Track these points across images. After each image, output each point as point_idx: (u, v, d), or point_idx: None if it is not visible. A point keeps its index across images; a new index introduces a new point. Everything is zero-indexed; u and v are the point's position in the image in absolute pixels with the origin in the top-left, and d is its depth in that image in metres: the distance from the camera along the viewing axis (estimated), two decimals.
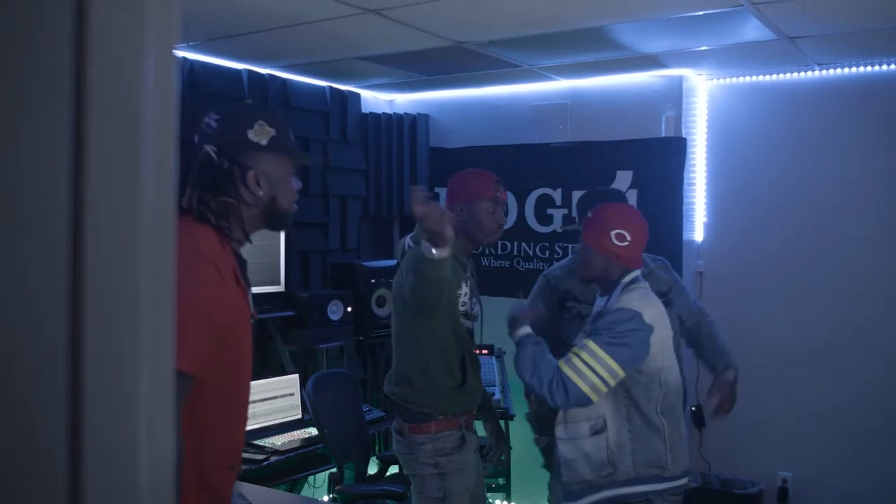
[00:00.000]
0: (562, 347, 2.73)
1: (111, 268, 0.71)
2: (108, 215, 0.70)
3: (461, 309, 2.79)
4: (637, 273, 2.64)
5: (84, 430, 0.68)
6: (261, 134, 1.76)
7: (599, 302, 2.69)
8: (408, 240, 2.91)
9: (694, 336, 3.27)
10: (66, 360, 0.67)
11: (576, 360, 2.43)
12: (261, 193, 1.76)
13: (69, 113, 0.64)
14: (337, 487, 3.23)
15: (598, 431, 2.53)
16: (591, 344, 2.43)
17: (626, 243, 2.58)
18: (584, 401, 2.43)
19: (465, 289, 2.81)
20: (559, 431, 2.58)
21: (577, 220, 3.28)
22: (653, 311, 2.52)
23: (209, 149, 1.72)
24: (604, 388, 2.43)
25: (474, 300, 2.90)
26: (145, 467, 0.74)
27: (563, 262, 3.41)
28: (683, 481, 2.60)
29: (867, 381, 4.01)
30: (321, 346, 4.12)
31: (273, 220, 1.82)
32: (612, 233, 2.59)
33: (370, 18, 3.18)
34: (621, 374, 2.44)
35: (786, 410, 4.22)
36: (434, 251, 2.30)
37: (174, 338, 1.47)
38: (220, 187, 1.72)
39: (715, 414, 3.07)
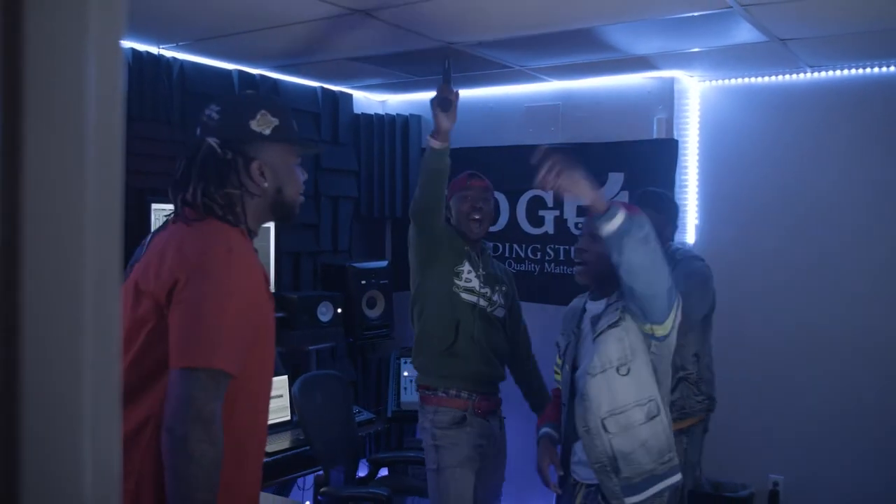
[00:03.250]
0: None
1: (51, 277, 0.70)
2: (48, 222, 0.68)
3: (465, 284, 3.09)
4: None
5: (22, 441, 0.66)
6: (263, 124, 1.75)
7: (597, 305, 2.52)
8: None
9: None
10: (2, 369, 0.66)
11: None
12: (265, 185, 1.76)
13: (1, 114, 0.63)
14: (322, 490, 3.22)
15: (653, 416, 2.36)
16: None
17: None
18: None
19: (467, 266, 3.12)
20: (610, 425, 2.34)
21: None
22: None
23: (211, 141, 1.72)
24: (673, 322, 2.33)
25: (488, 287, 3.19)
26: (88, 479, 0.72)
27: None
28: None
29: (860, 384, 4.00)
30: (310, 347, 4.11)
31: (279, 211, 1.82)
32: None
33: (359, 19, 3.17)
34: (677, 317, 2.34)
35: (778, 413, 4.21)
36: (433, 141, 2.98)
37: (207, 337, 1.46)
38: (224, 179, 1.72)
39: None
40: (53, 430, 0.70)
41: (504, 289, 3.27)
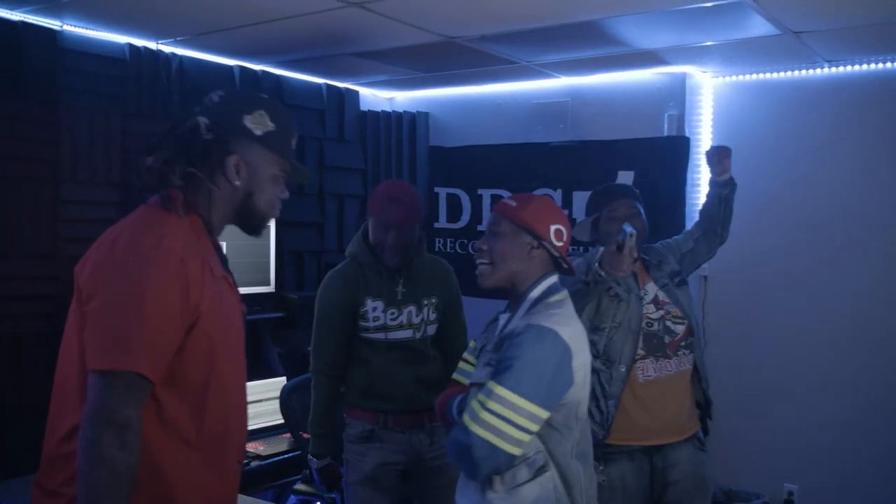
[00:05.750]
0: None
1: None
2: None
3: (372, 324, 2.80)
4: (554, 279, 2.09)
5: None
6: (258, 123, 1.67)
7: (502, 320, 2.12)
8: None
9: (701, 231, 3.24)
10: None
11: (485, 415, 1.87)
12: (237, 183, 1.66)
13: None
14: (295, 487, 3.26)
15: (541, 469, 1.94)
16: (499, 389, 1.87)
17: (561, 244, 2.06)
18: (508, 462, 1.90)
19: (371, 304, 2.81)
20: (496, 486, 1.95)
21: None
22: (571, 330, 1.98)
23: (201, 119, 1.64)
24: (527, 438, 1.89)
25: (407, 311, 2.84)
26: None
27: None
28: None
29: (876, 391, 3.87)
30: (310, 348, 4.03)
31: (246, 218, 1.73)
32: (553, 227, 2.06)
33: (353, 12, 3.09)
34: (545, 415, 1.90)
35: (793, 421, 4.08)
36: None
37: (122, 338, 1.40)
38: (195, 157, 1.62)
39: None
40: None
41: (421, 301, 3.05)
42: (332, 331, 2.86)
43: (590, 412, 2.56)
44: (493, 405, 1.86)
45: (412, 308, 2.84)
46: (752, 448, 4.16)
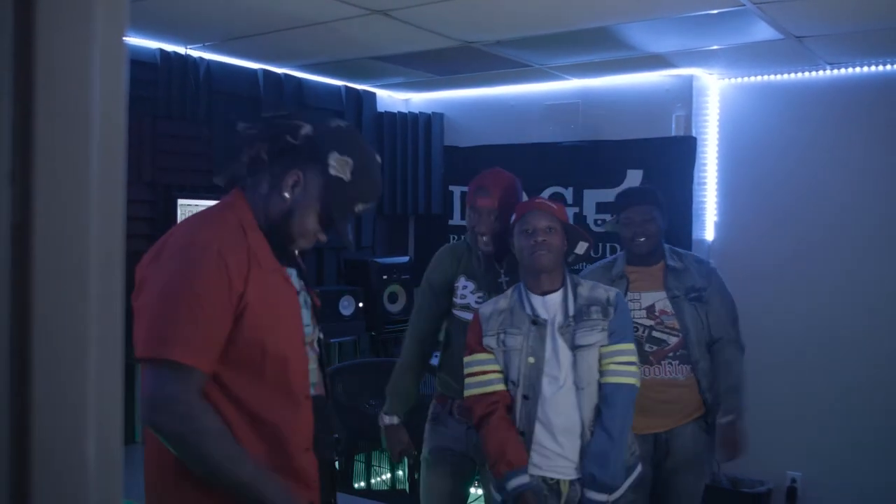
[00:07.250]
0: None
1: (58, 264, 0.76)
2: (54, 212, 0.74)
3: (459, 301, 2.78)
4: None
5: (31, 426, 0.72)
6: (339, 168, 1.66)
7: (554, 298, 2.43)
8: None
9: (714, 354, 3.08)
10: (11, 356, 0.71)
11: (636, 369, 2.41)
12: (286, 195, 1.64)
13: (12, 110, 0.70)
14: None
15: None
16: (624, 345, 2.41)
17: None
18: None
19: (463, 282, 2.79)
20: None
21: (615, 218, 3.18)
22: None
23: (305, 127, 1.66)
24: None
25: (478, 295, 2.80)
26: (92, 461, 0.77)
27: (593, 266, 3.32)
28: None
29: (879, 381, 3.99)
30: (332, 340, 4.20)
31: (276, 233, 1.68)
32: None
33: (377, 19, 3.25)
34: None
35: (796, 410, 4.21)
36: None
37: (157, 328, 1.50)
38: (272, 154, 1.66)
39: (724, 461, 3.15)
40: (60, 402, 0.76)
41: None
42: (425, 299, 2.88)
43: None
44: (625, 357, 2.41)
45: None
46: (755, 436, 4.25)
